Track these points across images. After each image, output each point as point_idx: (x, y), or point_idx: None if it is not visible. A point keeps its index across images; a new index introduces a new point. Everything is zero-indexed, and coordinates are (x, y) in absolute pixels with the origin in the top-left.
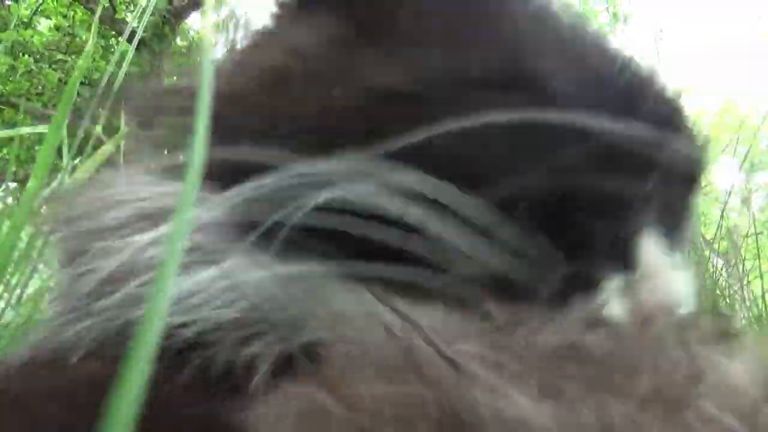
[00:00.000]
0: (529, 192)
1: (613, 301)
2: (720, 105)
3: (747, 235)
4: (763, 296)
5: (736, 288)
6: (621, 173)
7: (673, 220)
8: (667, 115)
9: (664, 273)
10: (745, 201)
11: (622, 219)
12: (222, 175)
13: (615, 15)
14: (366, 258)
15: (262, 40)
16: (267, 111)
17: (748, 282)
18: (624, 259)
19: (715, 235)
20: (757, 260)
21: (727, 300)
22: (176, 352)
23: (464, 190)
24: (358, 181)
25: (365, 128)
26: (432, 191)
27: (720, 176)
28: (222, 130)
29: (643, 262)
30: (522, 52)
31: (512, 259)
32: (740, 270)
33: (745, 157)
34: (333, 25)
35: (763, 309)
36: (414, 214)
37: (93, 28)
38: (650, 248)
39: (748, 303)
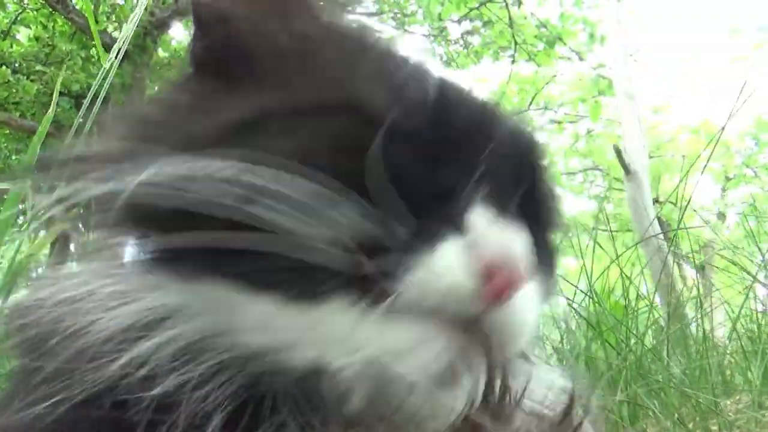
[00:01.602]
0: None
1: (452, 258)
2: (695, 122)
3: (721, 248)
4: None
5: (709, 299)
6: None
7: (508, 194)
8: (479, 113)
9: (497, 230)
10: (720, 215)
11: (449, 197)
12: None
13: (592, 36)
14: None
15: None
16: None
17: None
18: (457, 223)
19: (691, 248)
20: (731, 272)
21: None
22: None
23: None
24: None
25: (219, 151)
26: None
27: (696, 191)
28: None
29: (473, 226)
30: (346, 81)
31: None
32: (712, 282)
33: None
34: (206, 82)
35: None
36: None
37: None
38: (480, 215)
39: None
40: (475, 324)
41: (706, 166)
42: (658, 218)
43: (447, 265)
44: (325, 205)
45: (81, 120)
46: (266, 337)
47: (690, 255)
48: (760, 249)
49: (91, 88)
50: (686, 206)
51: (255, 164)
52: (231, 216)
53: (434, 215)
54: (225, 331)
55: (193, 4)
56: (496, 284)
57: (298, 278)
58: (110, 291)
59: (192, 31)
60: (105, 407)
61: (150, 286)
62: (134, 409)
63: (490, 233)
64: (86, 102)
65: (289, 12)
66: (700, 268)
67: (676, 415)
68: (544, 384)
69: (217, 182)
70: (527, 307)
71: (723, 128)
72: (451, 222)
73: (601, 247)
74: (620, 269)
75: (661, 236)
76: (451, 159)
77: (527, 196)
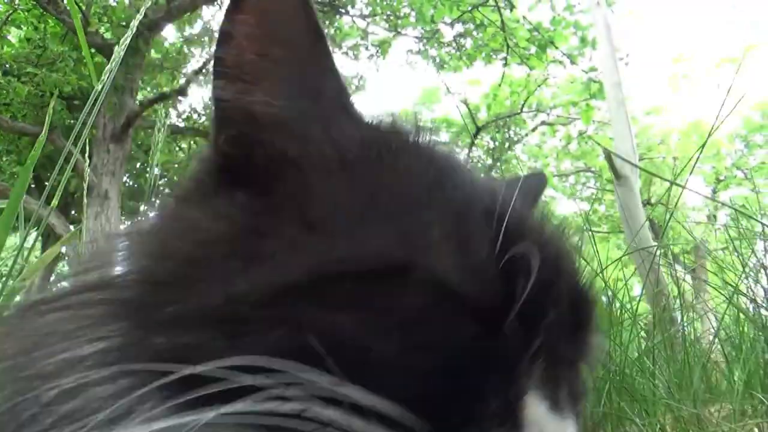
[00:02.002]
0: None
1: None
2: (686, 125)
3: (713, 250)
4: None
5: (700, 300)
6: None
7: (565, 372)
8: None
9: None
10: (711, 217)
11: (506, 385)
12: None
13: (583, 39)
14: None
15: (171, 222)
16: (180, 296)
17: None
18: (512, 422)
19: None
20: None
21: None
22: None
23: (356, 380)
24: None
25: (265, 318)
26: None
27: (687, 193)
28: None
29: (529, 424)
30: (414, 243)
31: None
32: (703, 283)
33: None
34: (242, 208)
35: (738, 336)
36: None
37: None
38: (536, 410)
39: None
40: None
41: (694, 167)
42: (650, 220)
43: None
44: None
45: (72, 122)
46: None
47: (681, 257)
48: (741, 259)
49: (86, 93)
50: (675, 205)
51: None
52: None
53: (485, 408)
54: None
55: (214, 99)
56: None
57: None
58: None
59: (214, 125)
60: None
61: None
62: None
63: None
64: (88, 106)
65: (330, 115)
66: (691, 271)
67: (658, 426)
68: None
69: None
70: None
71: (710, 133)
72: (503, 417)
73: (594, 247)
74: (604, 281)
75: (652, 242)
76: (514, 337)
77: (577, 364)
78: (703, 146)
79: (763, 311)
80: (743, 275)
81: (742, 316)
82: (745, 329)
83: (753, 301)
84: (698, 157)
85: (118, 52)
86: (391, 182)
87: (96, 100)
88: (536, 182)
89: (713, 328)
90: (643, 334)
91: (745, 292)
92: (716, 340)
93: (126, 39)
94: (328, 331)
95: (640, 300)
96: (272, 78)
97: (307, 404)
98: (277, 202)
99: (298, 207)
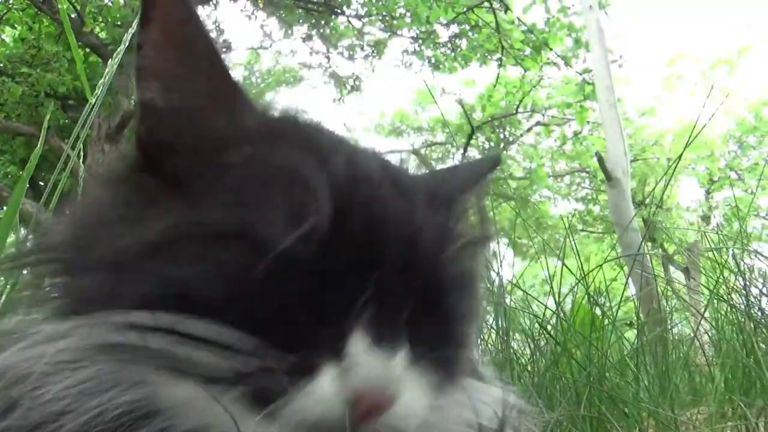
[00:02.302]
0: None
1: (326, 387)
2: (680, 126)
3: (706, 250)
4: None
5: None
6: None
7: (399, 316)
8: None
9: (366, 362)
10: (705, 217)
11: (333, 325)
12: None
13: (577, 41)
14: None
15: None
16: (82, 253)
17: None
18: (335, 352)
19: (676, 249)
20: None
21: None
22: None
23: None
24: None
25: (137, 268)
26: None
27: (681, 194)
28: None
29: (349, 354)
30: (248, 205)
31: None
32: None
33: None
34: (138, 186)
35: (718, 341)
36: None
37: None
38: (357, 344)
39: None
40: None
41: (677, 165)
42: (643, 220)
43: (321, 394)
44: (225, 343)
45: (67, 121)
46: (184, 417)
47: (675, 256)
48: (719, 263)
49: (80, 92)
50: (660, 202)
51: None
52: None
53: (319, 343)
54: (152, 406)
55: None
56: (362, 410)
57: (208, 378)
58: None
59: (135, 120)
60: None
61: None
62: None
63: (362, 361)
64: (88, 108)
65: (226, 109)
66: (685, 269)
67: (638, 429)
68: (493, 402)
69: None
70: (409, 411)
71: (694, 132)
72: (331, 350)
73: (576, 252)
74: (586, 289)
75: (642, 244)
76: (341, 282)
77: (428, 301)
78: (687, 145)
79: (739, 315)
80: (722, 279)
81: (722, 318)
82: (725, 332)
83: (731, 305)
84: (680, 156)
85: (119, 51)
86: (247, 167)
87: (96, 100)
88: (486, 163)
89: (697, 330)
90: (629, 335)
91: (724, 297)
92: (697, 342)
93: (127, 38)
94: (179, 281)
95: (620, 304)
96: (170, 77)
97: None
98: (163, 179)
99: (174, 183)
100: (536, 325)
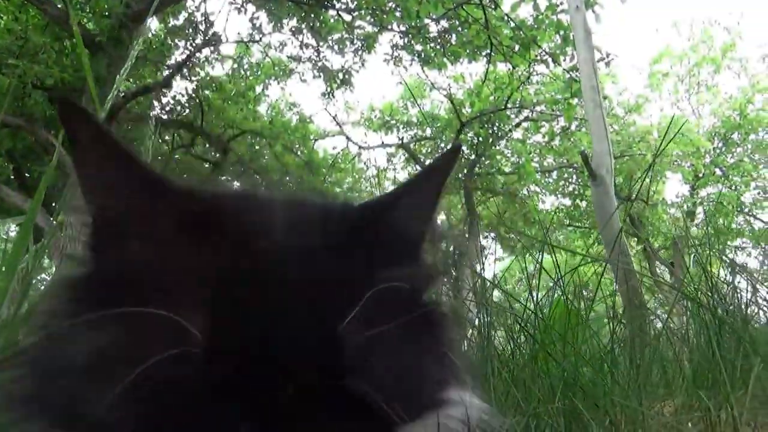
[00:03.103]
0: None
1: None
2: (666, 121)
3: (691, 246)
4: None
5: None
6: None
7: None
8: None
9: None
10: (690, 213)
11: None
12: None
13: (566, 39)
14: None
15: None
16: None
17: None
18: None
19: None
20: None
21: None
22: None
23: None
24: None
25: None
26: None
27: (667, 190)
28: None
29: None
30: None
31: None
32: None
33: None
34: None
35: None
36: None
37: None
38: None
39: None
40: None
41: (656, 159)
42: (629, 216)
43: None
44: None
45: (53, 113)
46: None
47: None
48: (687, 257)
49: (67, 84)
50: (646, 198)
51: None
52: None
53: None
54: None
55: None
56: None
57: None
58: None
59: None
60: None
61: None
62: None
63: None
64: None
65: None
66: (670, 264)
67: (609, 420)
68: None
69: None
70: None
71: (676, 128)
72: None
73: (554, 257)
74: (563, 292)
75: (624, 241)
76: (222, 406)
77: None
78: (670, 140)
79: (705, 311)
80: (690, 277)
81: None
82: (692, 326)
83: (696, 302)
84: (660, 150)
85: (138, 41)
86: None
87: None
88: (446, 159)
89: (666, 324)
90: (607, 330)
91: (691, 293)
92: (666, 336)
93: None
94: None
95: (593, 302)
96: (98, 190)
97: None
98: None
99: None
100: (516, 324)
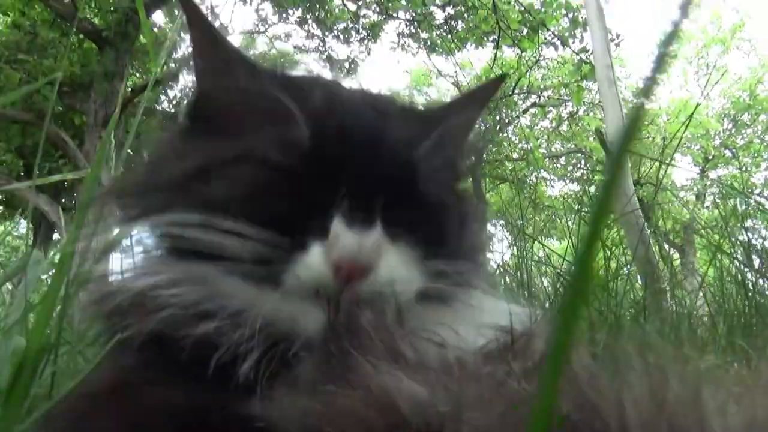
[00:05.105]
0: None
1: (316, 258)
2: (675, 104)
3: (701, 228)
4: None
5: (688, 278)
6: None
7: (368, 202)
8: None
9: (344, 237)
10: (700, 196)
11: (320, 214)
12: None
13: (575, 21)
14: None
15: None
16: (150, 180)
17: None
18: (322, 233)
19: (672, 228)
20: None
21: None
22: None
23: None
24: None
25: (189, 189)
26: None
27: (677, 173)
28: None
29: (332, 234)
30: (252, 136)
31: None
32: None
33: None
34: (190, 131)
35: (720, 293)
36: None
37: None
38: (337, 226)
39: (699, 292)
40: (342, 293)
41: (677, 147)
42: (639, 199)
43: (312, 262)
44: (243, 233)
45: (60, 109)
46: (232, 303)
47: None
48: (724, 219)
49: (75, 79)
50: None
51: (206, 212)
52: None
53: (309, 229)
54: (210, 296)
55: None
56: (343, 275)
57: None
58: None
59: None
60: (164, 344)
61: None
62: (183, 343)
63: (340, 237)
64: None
65: (233, 73)
66: (680, 247)
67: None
68: (498, 312)
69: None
70: (391, 273)
71: (687, 111)
72: (318, 233)
73: (585, 221)
74: (602, 242)
75: (640, 213)
76: (324, 184)
77: (400, 192)
78: (686, 124)
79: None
80: (726, 235)
81: (724, 273)
82: (726, 286)
83: (734, 258)
84: (681, 137)
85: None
86: (250, 107)
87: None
88: (488, 85)
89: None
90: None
91: (727, 251)
92: (700, 294)
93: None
94: (209, 194)
95: (632, 262)
96: (197, 56)
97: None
98: (198, 127)
99: (204, 130)
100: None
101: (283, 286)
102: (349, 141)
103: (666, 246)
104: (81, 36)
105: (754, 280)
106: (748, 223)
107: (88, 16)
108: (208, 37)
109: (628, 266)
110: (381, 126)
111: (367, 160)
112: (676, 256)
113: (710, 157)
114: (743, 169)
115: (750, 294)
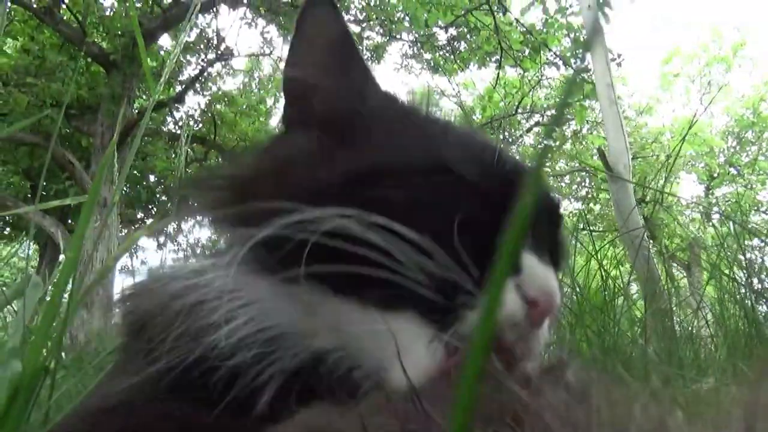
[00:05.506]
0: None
1: (509, 294)
2: (679, 122)
3: (707, 246)
4: (720, 302)
5: (694, 295)
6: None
7: (545, 243)
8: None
9: (541, 271)
10: (706, 214)
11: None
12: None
13: (576, 41)
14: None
15: (270, 147)
16: (279, 186)
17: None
18: (516, 265)
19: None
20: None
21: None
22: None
23: (409, 227)
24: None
25: (340, 194)
26: (387, 225)
27: (682, 191)
28: (254, 196)
29: (525, 266)
30: (436, 147)
31: (442, 268)
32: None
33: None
34: (310, 140)
35: (720, 314)
36: (374, 238)
37: None
38: (529, 259)
39: (704, 308)
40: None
41: (675, 159)
42: (644, 217)
43: (506, 298)
44: (420, 249)
45: (68, 130)
46: (337, 341)
47: (675, 254)
48: (722, 243)
49: (83, 102)
50: (660, 199)
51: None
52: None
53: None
54: (298, 330)
55: (283, 79)
56: (539, 311)
57: (388, 292)
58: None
59: (284, 101)
60: (198, 373)
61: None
62: (216, 375)
63: (537, 272)
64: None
65: (359, 86)
66: (686, 265)
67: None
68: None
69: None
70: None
71: (690, 126)
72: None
73: (582, 245)
74: (599, 264)
75: (643, 232)
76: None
77: (554, 244)
78: (682, 139)
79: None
80: (724, 257)
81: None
82: (727, 306)
83: (733, 279)
84: (678, 150)
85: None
86: (415, 123)
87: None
88: None
89: (699, 304)
90: (637, 313)
91: (726, 273)
92: (701, 314)
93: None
94: (385, 201)
95: (629, 281)
96: (319, 65)
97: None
98: (339, 136)
99: (339, 141)
100: None
101: (463, 324)
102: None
103: (671, 264)
104: (89, 59)
105: (753, 300)
106: (755, 241)
107: (95, 40)
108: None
109: (628, 284)
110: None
111: (541, 203)
112: (683, 274)
113: (715, 175)
114: (749, 186)
115: (749, 315)
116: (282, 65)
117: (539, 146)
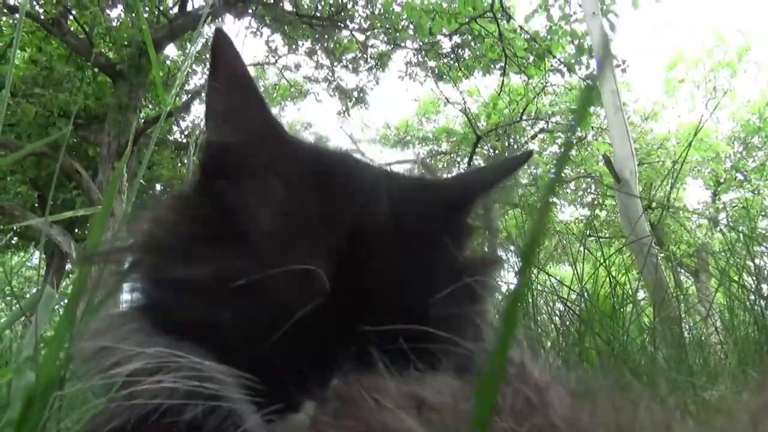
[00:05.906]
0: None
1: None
2: (684, 128)
3: (714, 252)
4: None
5: (703, 302)
6: None
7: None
8: None
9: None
10: (713, 220)
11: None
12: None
13: (580, 47)
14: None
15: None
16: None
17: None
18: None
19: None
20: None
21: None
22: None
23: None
24: None
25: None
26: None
27: (688, 196)
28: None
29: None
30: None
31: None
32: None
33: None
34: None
35: (729, 321)
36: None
37: None
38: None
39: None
40: None
41: (681, 167)
42: (651, 224)
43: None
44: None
45: (75, 140)
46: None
47: (684, 259)
48: (731, 249)
49: (90, 112)
50: (667, 204)
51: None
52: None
53: (305, 386)
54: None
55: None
56: None
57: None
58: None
59: (200, 152)
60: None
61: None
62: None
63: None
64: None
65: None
66: (694, 272)
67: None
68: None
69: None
70: None
71: (695, 132)
72: (305, 394)
73: (590, 251)
74: (608, 271)
75: (650, 239)
76: (331, 337)
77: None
78: (689, 145)
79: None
80: (733, 264)
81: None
82: (737, 313)
83: (742, 286)
84: (685, 155)
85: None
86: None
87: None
88: (516, 160)
89: (709, 311)
90: (645, 320)
91: (736, 279)
92: (710, 321)
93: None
94: (212, 320)
95: (637, 288)
96: (220, 117)
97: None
98: (214, 203)
99: (223, 209)
100: (561, 307)
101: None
102: (369, 295)
103: (680, 270)
104: (96, 69)
105: (763, 307)
106: (763, 247)
107: (103, 50)
108: (235, 92)
109: (638, 291)
110: (402, 268)
111: (383, 313)
112: (691, 280)
113: (722, 180)
114: (756, 191)
115: (759, 322)
116: (287, 73)
117: (548, 175)
